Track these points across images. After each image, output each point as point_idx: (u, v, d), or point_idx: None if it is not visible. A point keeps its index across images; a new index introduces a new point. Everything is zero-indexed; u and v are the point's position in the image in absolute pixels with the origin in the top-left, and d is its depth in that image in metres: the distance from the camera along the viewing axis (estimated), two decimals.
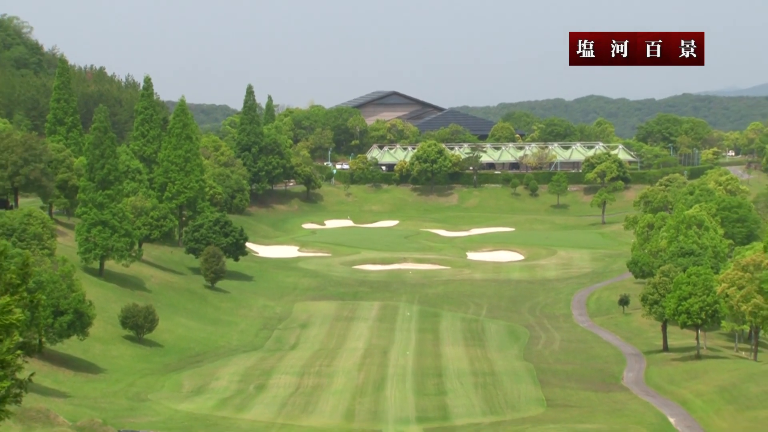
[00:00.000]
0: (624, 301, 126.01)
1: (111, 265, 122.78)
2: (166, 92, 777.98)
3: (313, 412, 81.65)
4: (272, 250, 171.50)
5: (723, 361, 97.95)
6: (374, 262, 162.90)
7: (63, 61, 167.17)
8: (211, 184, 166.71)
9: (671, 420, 79.43)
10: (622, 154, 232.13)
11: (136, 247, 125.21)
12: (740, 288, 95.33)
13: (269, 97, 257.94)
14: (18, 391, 35.19)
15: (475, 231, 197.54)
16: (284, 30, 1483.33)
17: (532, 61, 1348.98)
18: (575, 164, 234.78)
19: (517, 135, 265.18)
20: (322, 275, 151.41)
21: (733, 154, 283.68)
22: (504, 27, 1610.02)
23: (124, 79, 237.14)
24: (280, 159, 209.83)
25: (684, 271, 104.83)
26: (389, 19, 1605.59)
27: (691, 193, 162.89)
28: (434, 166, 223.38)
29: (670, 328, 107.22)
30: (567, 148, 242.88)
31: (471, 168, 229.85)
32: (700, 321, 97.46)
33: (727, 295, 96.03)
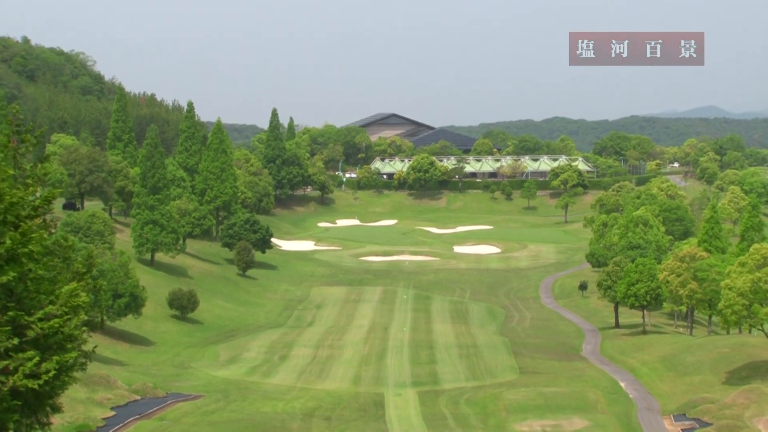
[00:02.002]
0: (583, 287, 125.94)
1: (160, 256, 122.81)
2: (205, 114, 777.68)
3: (326, 378, 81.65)
4: (293, 244, 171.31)
5: (664, 335, 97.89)
6: (377, 254, 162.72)
7: (121, 88, 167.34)
8: (242, 190, 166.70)
9: (622, 384, 79.38)
10: (582, 165, 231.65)
11: (181, 241, 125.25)
12: (678, 275, 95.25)
13: (291, 118, 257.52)
14: (83, 360, 35.12)
15: (460, 228, 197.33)
16: (304, 63, 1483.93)
17: (508, 89, 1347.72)
18: (543, 173, 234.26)
19: (495, 149, 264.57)
20: (334, 265, 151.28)
21: (678, 165, 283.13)
22: (485, 61, 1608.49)
23: (171, 104, 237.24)
24: (299, 169, 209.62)
25: (632, 261, 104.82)
26: (389, 56, 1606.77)
27: (638, 198, 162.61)
28: (426, 175, 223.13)
29: (620, 309, 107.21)
30: (536, 160, 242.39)
31: (457, 176, 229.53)
32: (645, 303, 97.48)
33: (667, 282, 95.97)
